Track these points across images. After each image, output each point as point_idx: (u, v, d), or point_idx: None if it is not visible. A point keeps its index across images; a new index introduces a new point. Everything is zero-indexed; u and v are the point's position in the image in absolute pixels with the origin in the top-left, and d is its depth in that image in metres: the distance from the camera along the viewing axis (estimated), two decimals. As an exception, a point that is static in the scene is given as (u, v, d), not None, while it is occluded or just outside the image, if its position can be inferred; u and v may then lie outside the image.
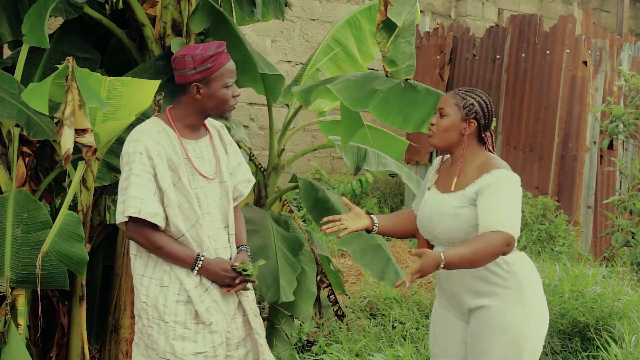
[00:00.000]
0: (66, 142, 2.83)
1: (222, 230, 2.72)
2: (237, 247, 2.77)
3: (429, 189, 2.73)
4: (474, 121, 2.61)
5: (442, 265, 2.29)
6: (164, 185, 2.57)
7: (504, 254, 2.43)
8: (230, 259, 2.72)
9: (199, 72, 2.57)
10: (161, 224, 2.56)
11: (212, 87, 2.60)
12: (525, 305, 2.51)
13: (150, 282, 2.62)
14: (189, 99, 2.63)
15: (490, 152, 2.66)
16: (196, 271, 2.59)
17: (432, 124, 2.65)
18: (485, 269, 2.52)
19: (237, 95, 2.67)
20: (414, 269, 2.26)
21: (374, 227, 2.72)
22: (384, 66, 3.39)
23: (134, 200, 2.52)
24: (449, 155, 2.72)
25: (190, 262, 2.59)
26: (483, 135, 2.65)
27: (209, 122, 2.78)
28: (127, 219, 2.55)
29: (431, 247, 2.71)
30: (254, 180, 2.90)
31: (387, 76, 3.39)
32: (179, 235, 2.60)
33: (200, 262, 2.59)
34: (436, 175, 2.73)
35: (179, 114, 2.66)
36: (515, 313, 2.50)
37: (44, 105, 2.76)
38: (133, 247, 2.68)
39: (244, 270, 2.63)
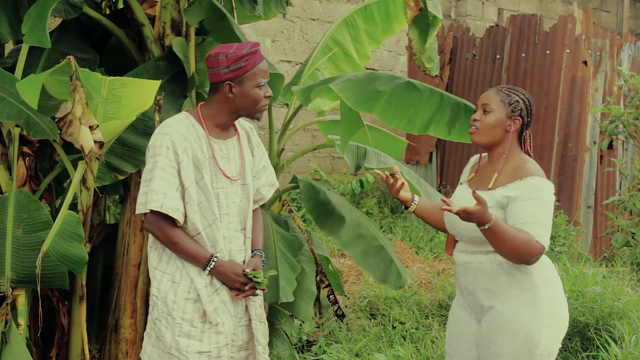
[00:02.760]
0: (87, 140, 2.84)
1: (238, 232, 2.73)
2: (252, 251, 2.77)
3: (461, 184, 2.73)
4: (519, 118, 2.59)
5: (487, 226, 2.29)
6: (186, 182, 2.58)
7: (527, 264, 2.41)
8: (244, 262, 2.72)
9: (232, 70, 2.58)
10: (181, 219, 2.58)
11: (244, 87, 2.60)
12: (538, 307, 2.48)
13: (162, 276, 2.64)
14: (221, 98, 2.63)
15: (528, 153, 2.65)
16: (208, 271, 2.61)
17: (476, 120, 2.61)
18: (501, 268, 2.51)
19: (269, 96, 2.67)
20: (467, 208, 2.27)
21: (412, 204, 2.76)
22: (423, 63, 3.37)
23: (157, 194, 2.53)
24: (486, 154, 2.71)
25: (203, 262, 2.60)
26: (524, 134, 2.63)
27: (239, 122, 2.79)
28: (147, 211, 2.57)
29: (456, 243, 2.71)
30: (277, 185, 2.92)
31: (425, 73, 3.38)
32: (195, 233, 2.61)
33: (213, 263, 2.60)
34: (472, 173, 2.71)
35: (210, 112, 2.67)
36: (528, 316, 2.48)
37: (34, 99, 2.73)
38: (150, 239, 2.70)
39: (255, 277, 2.64)
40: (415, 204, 2.77)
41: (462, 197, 2.63)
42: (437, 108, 3.55)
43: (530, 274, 2.50)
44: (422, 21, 3.37)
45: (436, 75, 3.49)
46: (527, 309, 2.48)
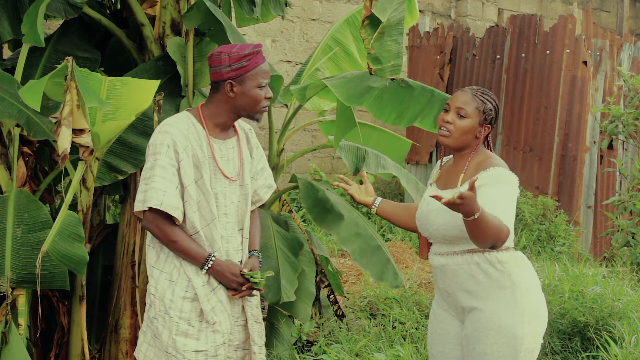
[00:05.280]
0: (63, 141, 2.83)
1: (236, 232, 2.73)
2: (249, 252, 2.78)
3: (430, 185, 2.74)
4: (489, 126, 2.62)
5: (475, 216, 2.24)
6: (185, 180, 2.59)
7: (494, 248, 2.40)
8: (241, 262, 2.73)
9: (233, 69, 2.59)
10: (180, 218, 2.58)
11: (245, 86, 2.61)
12: (518, 305, 2.50)
13: (160, 275, 2.64)
14: (221, 97, 2.64)
15: (489, 149, 2.67)
16: (205, 270, 2.61)
17: (449, 122, 2.60)
18: (478, 268, 2.52)
19: (270, 97, 2.68)
20: (460, 194, 2.20)
21: (373, 207, 2.87)
22: (367, 63, 3.35)
23: (157, 192, 2.54)
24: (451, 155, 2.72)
25: (201, 261, 2.60)
26: (489, 137, 2.66)
27: (238, 124, 2.80)
28: (146, 209, 2.57)
29: (430, 245, 2.71)
30: (274, 186, 2.93)
31: (370, 74, 3.36)
32: (194, 233, 2.62)
33: (211, 262, 2.61)
34: (439, 172, 2.73)
35: (210, 112, 2.68)
36: (509, 313, 2.49)
37: (37, 103, 2.74)
38: (148, 237, 2.70)
39: (252, 277, 2.65)
40: (375, 206, 2.87)
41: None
42: (426, 104, 3.55)
43: (508, 272, 2.52)
44: (376, 22, 3.34)
45: (393, 79, 3.41)
46: (508, 306, 2.50)
